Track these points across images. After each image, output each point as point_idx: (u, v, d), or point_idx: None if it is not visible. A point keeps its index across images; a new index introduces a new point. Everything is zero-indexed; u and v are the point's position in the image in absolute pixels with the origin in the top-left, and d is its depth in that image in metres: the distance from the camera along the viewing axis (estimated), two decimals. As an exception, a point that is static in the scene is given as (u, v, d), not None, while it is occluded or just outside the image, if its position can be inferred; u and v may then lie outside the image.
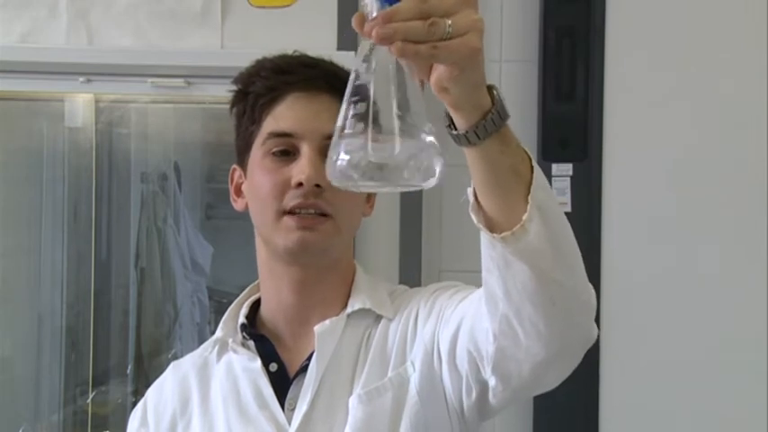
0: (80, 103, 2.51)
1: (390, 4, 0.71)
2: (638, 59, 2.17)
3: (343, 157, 0.74)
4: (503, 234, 0.84)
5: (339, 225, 1.13)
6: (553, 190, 2.12)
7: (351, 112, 0.75)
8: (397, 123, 0.74)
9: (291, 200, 1.12)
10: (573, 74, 2.16)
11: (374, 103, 0.74)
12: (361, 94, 0.74)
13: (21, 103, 2.52)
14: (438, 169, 0.76)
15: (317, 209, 1.12)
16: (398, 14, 0.70)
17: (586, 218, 2.14)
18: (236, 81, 1.21)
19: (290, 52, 1.20)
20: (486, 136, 0.81)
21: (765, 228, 2.14)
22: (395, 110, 0.74)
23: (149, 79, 2.24)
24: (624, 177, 2.16)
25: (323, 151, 1.10)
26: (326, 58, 1.20)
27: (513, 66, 2.21)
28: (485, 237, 0.86)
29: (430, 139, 0.76)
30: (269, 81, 1.16)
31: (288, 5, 2.20)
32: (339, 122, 0.76)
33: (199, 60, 2.18)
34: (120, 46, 2.22)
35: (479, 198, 0.86)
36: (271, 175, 1.14)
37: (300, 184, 1.11)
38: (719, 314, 2.14)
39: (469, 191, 0.87)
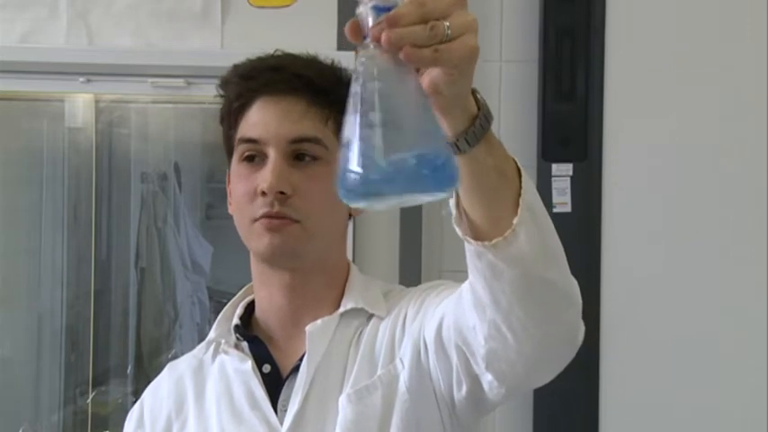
0: (80, 103, 2.51)
1: (385, 11, 0.71)
2: (638, 59, 2.17)
3: (354, 172, 0.72)
4: (494, 241, 0.83)
5: (309, 229, 1.12)
6: (553, 190, 2.14)
7: (358, 124, 0.72)
8: (410, 132, 0.72)
9: (260, 208, 1.11)
10: (573, 74, 2.16)
11: (384, 112, 0.72)
12: (366, 105, 0.73)
13: (21, 103, 2.52)
14: (456, 174, 0.74)
15: (284, 216, 1.11)
16: (403, 18, 0.71)
17: (586, 218, 2.14)
18: (218, 86, 1.21)
19: (271, 52, 1.19)
20: (475, 142, 0.80)
21: (765, 227, 2.14)
22: (406, 118, 0.73)
23: (149, 79, 2.24)
24: (624, 177, 2.16)
25: (289, 156, 1.11)
26: (325, 57, 1.19)
27: (513, 66, 2.21)
28: (471, 247, 0.85)
29: (443, 145, 0.74)
30: (238, 87, 1.16)
31: (288, 5, 2.20)
32: (345, 136, 0.73)
33: (199, 60, 2.18)
34: (120, 46, 2.22)
35: (466, 206, 0.85)
36: (243, 182, 1.14)
37: (265, 193, 1.11)
38: (719, 314, 2.15)
39: (451, 202, 0.86)
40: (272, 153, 1.12)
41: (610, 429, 2.15)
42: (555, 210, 2.12)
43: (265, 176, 1.11)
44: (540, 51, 2.16)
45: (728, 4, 2.18)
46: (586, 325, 0.94)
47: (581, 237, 2.13)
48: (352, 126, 0.72)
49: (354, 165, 0.71)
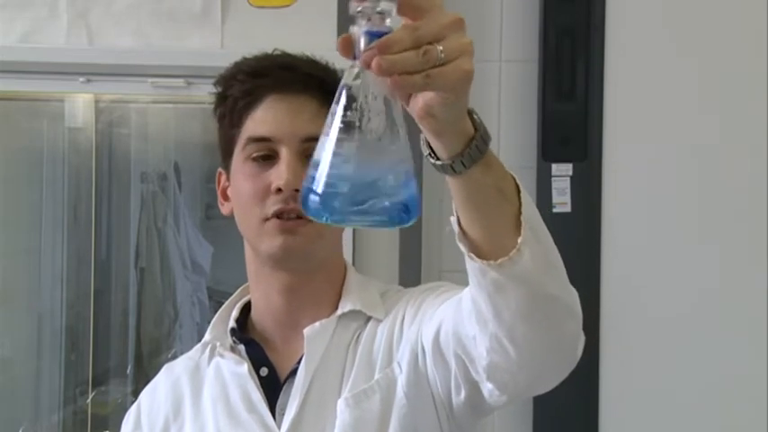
0: (80, 103, 2.51)
1: (377, 37, 0.70)
2: (638, 59, 2.17)
3: (317, 195, 0.73)
4: (500, 260, 0.82)
5: (321, 228, 1.10)
6: (553, 190, 2.14)
7: (330, 148, 0.72)
8: (377, 166, 0.72)
9: (272, 205, 1.11)
10: (573, 73, 2.16)
11: (358, 142, 0.72)
12: (341, 130, 0.72)
13: (21, 103, 2.52)
14: (416, 210, 0.74)
15: (299, 213, 1.09)
16: (395, 45, 0.69)
17: (586, 218, 2.14)
18: (216, 83, 1.20)
19: (269, 51, 1.19)
20: (471, 164, 0.79)
21: (766, 228, 2.14)
22: (377, 150, 0.72)
23: (149, 79, 2.24)
24: (624, 177, 2.16)
25: (302, 154, 1.10)
26: (323, 58, 1.18)
27: (513, 66, 2.21)
28: (474, 265, 0.84)
29: (410, 180, 0.73)
30: (245, 85, 1.15)
31: (288, 5, 2.20)
32: (316, 155, 0.73)
33: (199, 60, 2.18)
34: (120, 46, 2.22)
35: (465, 225, 0.84)
36: (252, 181, 1.13)
37: (280, 190, 1.10)
38: (719, 314, 2.14)
39: (453, 220, 0.85)
40: (284, 151, 1.11)
41: (610, 429, 2.15)
42: (555, 210, 2.12)
43: (280, 174, 1.10)
44: (540, 51, 2.16)
45: (728, 3, 2.18)
46: (586, 325, 0.94)
47: (581, 237, 2.13)
48: (323, 147, 0.73)
49: (318, 188, 0.73)
